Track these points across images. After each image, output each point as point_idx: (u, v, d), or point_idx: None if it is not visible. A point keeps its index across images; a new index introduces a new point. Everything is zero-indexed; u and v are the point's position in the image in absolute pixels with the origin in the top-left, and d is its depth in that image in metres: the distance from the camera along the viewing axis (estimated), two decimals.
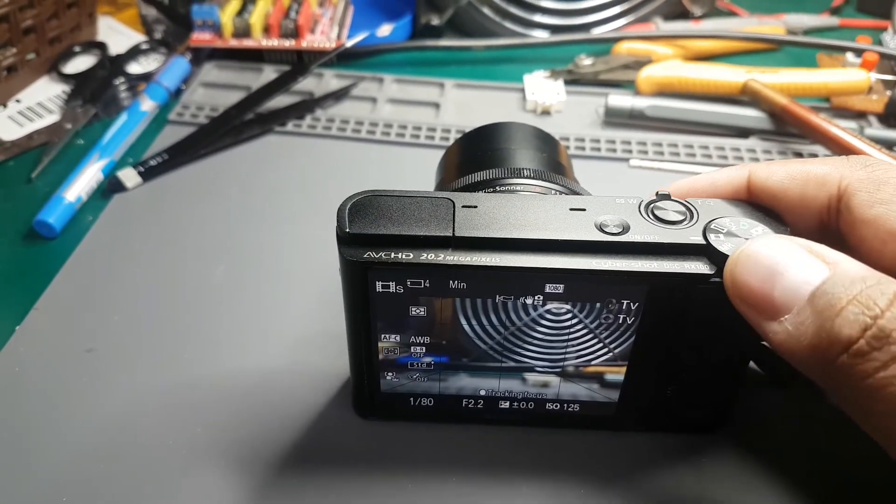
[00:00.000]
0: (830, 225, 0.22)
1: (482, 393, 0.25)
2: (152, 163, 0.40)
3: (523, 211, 0.23)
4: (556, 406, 0.26)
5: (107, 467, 0.26)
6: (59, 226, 0.36)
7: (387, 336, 0.24)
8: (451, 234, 0.22)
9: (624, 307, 0.22)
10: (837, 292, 0.18)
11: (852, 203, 0.21)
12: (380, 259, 0.22)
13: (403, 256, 0.22)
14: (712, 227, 0.22)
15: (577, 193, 0.27)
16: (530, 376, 0.25)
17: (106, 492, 0.25)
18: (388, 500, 0.25)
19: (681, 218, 0.22)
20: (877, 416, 0.18)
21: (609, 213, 0.22)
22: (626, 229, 0.22)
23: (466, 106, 0.47)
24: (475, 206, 0.23)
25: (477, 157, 0.29)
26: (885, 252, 0.20)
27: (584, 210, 0.23)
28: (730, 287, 0.20)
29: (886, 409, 0.18)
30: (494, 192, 0.26)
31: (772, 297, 0.19)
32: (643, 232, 0.22)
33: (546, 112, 0.47)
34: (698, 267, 0.21)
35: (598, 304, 0.22)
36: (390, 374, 0.25)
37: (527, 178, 0.26)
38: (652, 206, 0.23)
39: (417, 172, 0.39)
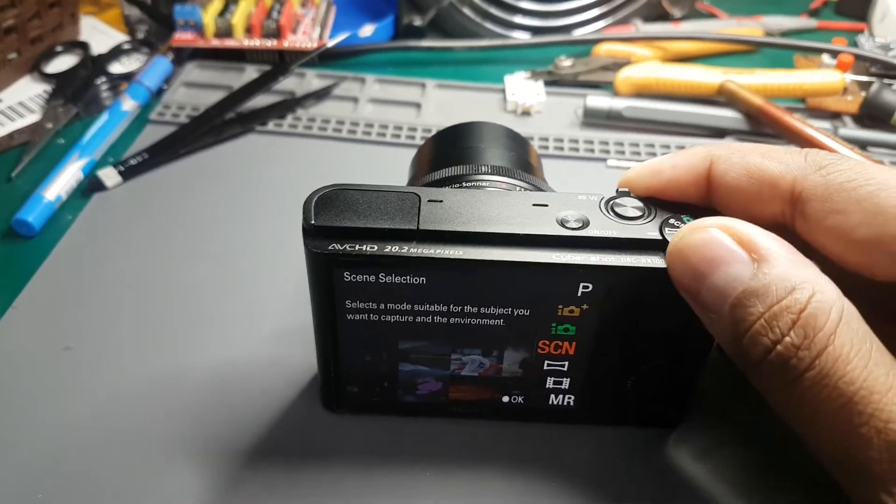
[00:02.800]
0: (787, 226, 0.22)
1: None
2: (132, 162, 0.40)
3: (487, 206, 0.23)
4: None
5: (82, 465, 0.26)
6: (38, 225, 0.36)
7: None
8: (416, 228, 0.22)
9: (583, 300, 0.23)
10: (750, 305, 0.18)
11: (807, 211, 0.21)
12: (344, 251, 0.22)
13: (368, 248, 0.22)
14: (670, 222, 0.22)
15: (542, 190, 0.27)
16: None
17: (81, 489, 0.25)
18: (361, 494, 0.25)
19: (639, 214, 0.23)
20: (788, 422, 0.19)
21: (570, 209, 0.23)
22: (585, 224, 0.22)
23: (447, 106, 0.47)
24: (441, 201, 0.23)
25: (447, 155, 0.29)
26: (849, 261, 0.20)
27: (546, 206, 0.23)
28: (670, 277, 0.21)
29: (792, 422, 0.19)
30: (461, 187, 0.26)
31: (700, 295, 0.20)
32: (602, 227, 0.22)
33: (526, 112, 0.47)
34: (654, 261, 0.22)
35: None
36: None
37: (493, 174, 0.27)
38: (612, 202, 0.23)
39: (397, 172, 0.39)
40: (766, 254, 0.19)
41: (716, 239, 0.20)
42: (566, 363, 0.25)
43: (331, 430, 0.27)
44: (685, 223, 0.22)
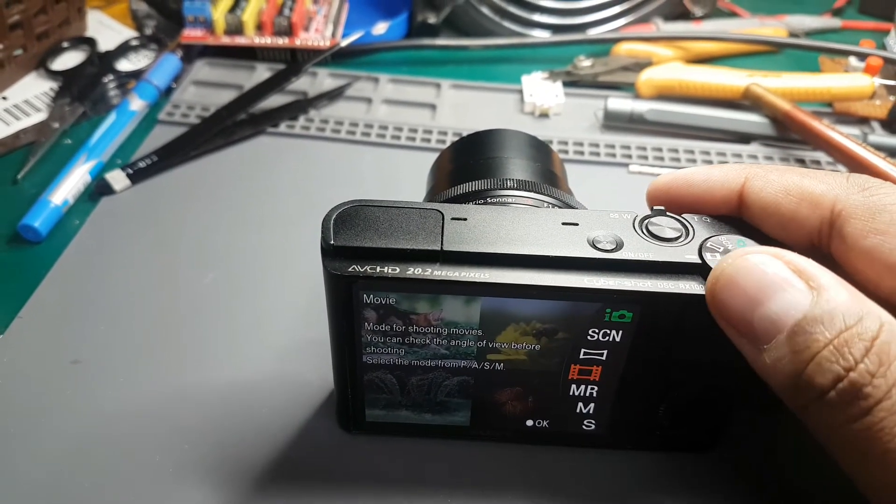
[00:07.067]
0: (822, 248, 0.21)
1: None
2: (141, 164, 0.39)
3: (514, 224, 0.22)
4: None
5: (91, 485, 0.25)
6: (44, 230, 0.35)
7: None
8: (440, 248, 0.21)
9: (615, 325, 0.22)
10: (815, 332, 0.17)
11: (845, 230, 0.20)
12: (365, 273, 0.21)
13: (389, 271, 0.21)
14: (708, 245, 0.21)
15: (570, 206, 0.26)
16: None
17: None
18: None
19: (676, 235, 0.22)
20: (846, 463, 0.18)
21: (602, 229, 0.22)
22: (619, 246, 0.21)
23: (463, 108, 0.46)
24: (465, 219, 0.22)
25: (469, 166, 0.28)
26: (881, 286, 0.19)
27: (576, 224, 0.22)
28: (710, 305, 0.20)
29: (852, 462, 0.17)
30: (485, 203, 0.25)
31: (751, 324, 0.18)
32: (637, 249, 0.21)
33: (544, 115, 0.46)
34: (692, 287, 0.21)
35: None
36: None
37: (519, 189, 0.25)
38: (646, 221, 0.22)
39: (413, 176, 0.38)
40: (824, 283, 0.18)
41: (769, 265, 0.18)
42: (595, 388, 0.24)
43: (347, 453, 0.26)
44: (727, 245, 0.21)
